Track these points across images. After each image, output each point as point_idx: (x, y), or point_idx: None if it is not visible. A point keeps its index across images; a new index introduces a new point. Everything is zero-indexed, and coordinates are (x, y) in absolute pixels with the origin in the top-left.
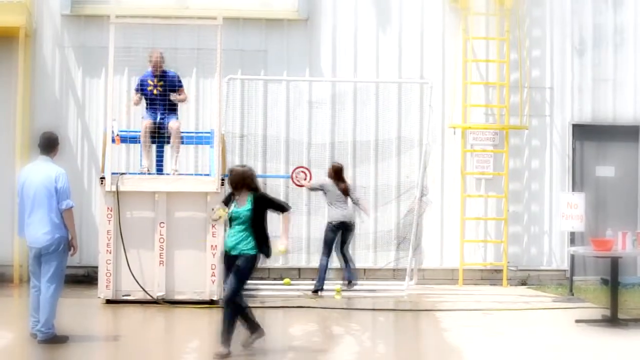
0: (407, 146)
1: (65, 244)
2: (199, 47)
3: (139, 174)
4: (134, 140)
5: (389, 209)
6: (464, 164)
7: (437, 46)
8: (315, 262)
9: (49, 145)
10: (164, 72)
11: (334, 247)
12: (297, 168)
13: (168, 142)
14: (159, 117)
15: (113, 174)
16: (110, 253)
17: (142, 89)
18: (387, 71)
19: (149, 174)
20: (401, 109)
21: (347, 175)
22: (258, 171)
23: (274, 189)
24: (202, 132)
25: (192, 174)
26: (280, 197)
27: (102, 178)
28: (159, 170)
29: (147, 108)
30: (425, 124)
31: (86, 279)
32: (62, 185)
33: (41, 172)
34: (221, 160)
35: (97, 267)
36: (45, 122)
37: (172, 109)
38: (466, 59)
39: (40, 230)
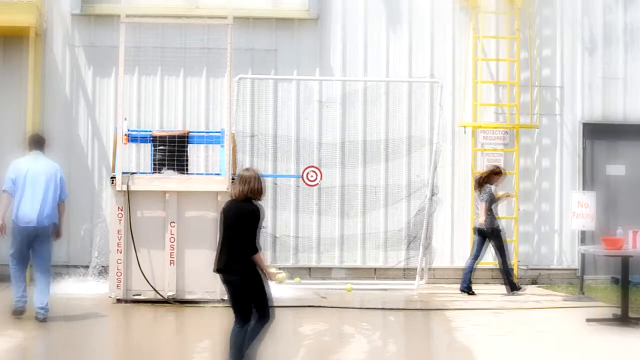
0: (417, 145)
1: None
2: (209, 47)
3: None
4: (144, 139)
5: (400, 208)
6: (475, 163)
7: (447, 45)
8: (325, 261)
9: (41, 142)
10: None
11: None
12: (308, 167)
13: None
14: None
15: (124, 173)
16: (120, 252)
17: None
18: (397, 70)
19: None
20: (411, 108)
21: (358, 174)
22: (268, 171)
23: (285, 188)
24: (212, 132)
25: (202, 174)
26: (291, 197)
27: (113, 177)
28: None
29: None
30: (436, 123)
31: (96, 278)
32: (63, 177)
33: (45, 164)
34: (232, 160)
35: (107, 267)
36: (56, 121)
37: None
38: (476, 57)
39: (45, 212)
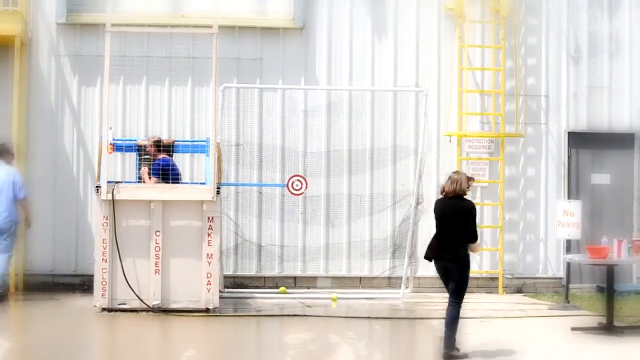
0: (402, 154)
1: (16, 227)
2: (195, 56)
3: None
4: (129, 149)
5: (385, 217)
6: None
7: (432, 54)
8: (310, 270)
9: (3, 151)
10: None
11: None
12: (293, 177)
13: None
14: None
15: (109, 182)
16: (105, 262)
17: None
18: (382, 79)
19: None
20: (397, 117)
21: (343, 183)
22: (254, 180)
23: (270, 197)
24: (197, 141)
25: (187, 183)
26: (276, 206)
27: (98, 187)
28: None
29: None
30: (421, 132)
31: (82, 287)
32: (17, 180)
33: (4, 170)
34: (217, 169)
35: (92, 276)
36: (41, 130)
37: None
38: (461, 66)
39: (2, 214)
